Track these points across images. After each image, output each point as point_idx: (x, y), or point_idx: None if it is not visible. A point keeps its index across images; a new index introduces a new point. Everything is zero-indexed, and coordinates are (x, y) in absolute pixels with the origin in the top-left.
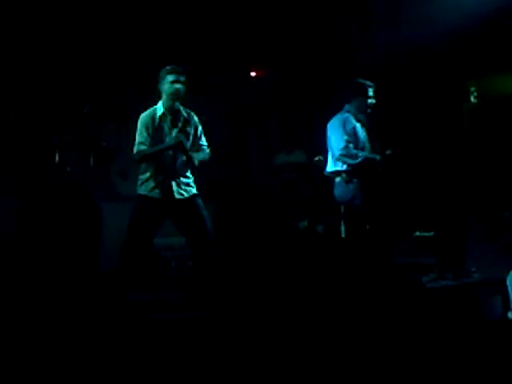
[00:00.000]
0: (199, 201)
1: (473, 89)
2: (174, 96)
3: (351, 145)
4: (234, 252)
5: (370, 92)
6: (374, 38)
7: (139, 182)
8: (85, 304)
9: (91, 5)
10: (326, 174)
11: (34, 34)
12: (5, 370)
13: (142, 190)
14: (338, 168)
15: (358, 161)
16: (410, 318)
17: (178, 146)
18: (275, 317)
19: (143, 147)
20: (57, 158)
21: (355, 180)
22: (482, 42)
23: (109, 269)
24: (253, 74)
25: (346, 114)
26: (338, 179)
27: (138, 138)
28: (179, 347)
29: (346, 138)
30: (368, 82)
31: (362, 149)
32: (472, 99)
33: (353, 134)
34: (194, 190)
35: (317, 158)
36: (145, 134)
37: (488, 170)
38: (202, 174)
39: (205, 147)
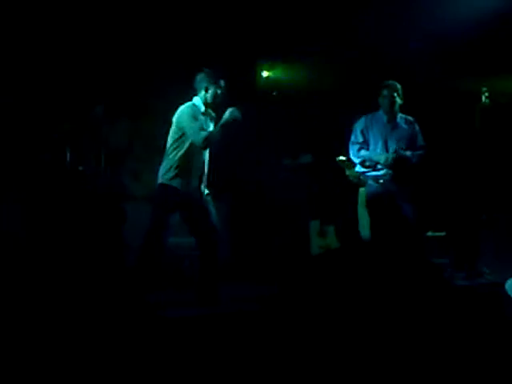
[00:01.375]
0: (210, 197)
1: (484, 89)
2: (218, 100)
3: (355, 146)
4: (245, 250)
5: (385, 92)
6: (382, 37)
7: (169, 174)
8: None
9: (98, 4)
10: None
11: (47, 33)
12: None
13: (169, 181)
14: (358, 169)
15: (358, 161)
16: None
17: (235, 122)
18: (291, 315)
19: (204, 132)
20: (68, 158)
21: (368, 181)
22: (494, 42)
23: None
24: (265, 74)
25: (363, 117)
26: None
27: (195, 126)
28: (192, 346)
29: (352, 139)
30: (385, 83)
31: (373, 149)
32: (484, 99)
33: (362, 136)
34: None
35: (338, 158)
36: (198, 120)
37: (500, 170)
38: (215, 173)
39: None
